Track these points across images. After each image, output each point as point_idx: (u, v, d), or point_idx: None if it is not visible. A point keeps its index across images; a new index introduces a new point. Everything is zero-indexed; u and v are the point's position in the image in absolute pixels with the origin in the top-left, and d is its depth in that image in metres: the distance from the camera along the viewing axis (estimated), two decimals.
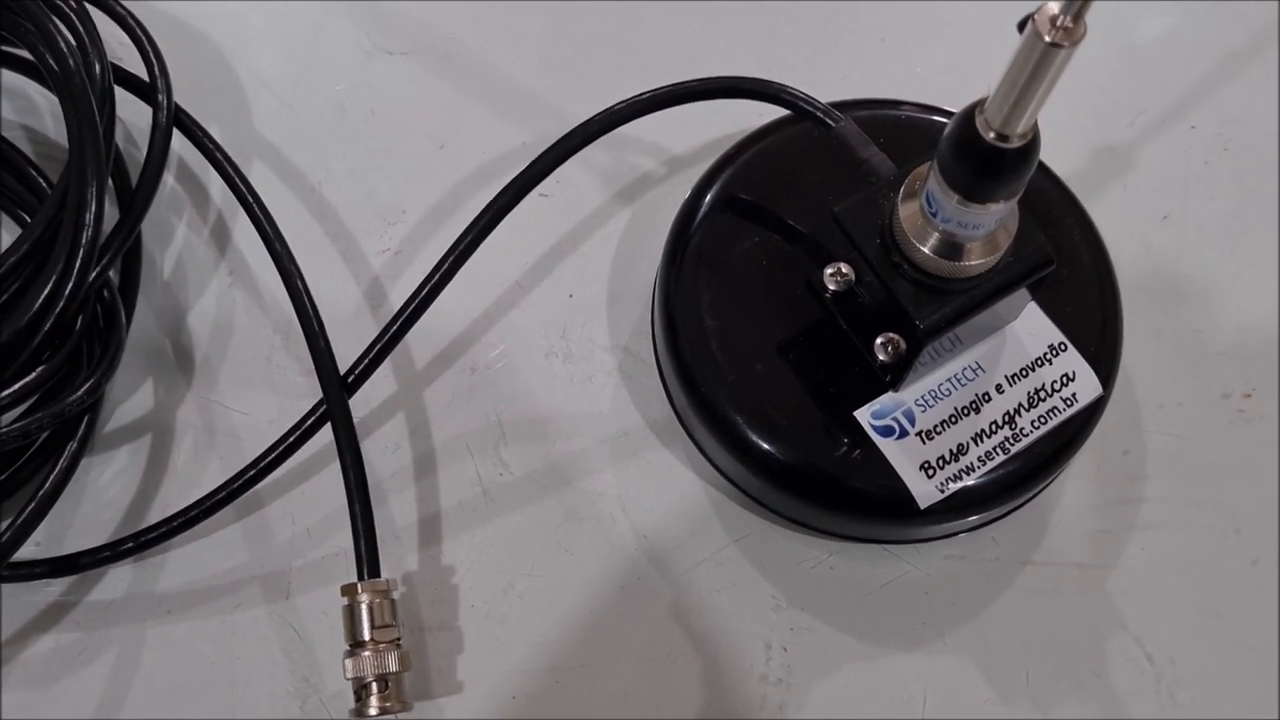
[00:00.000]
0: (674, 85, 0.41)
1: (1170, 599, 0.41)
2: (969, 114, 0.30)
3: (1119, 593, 0.41)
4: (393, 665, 0.37)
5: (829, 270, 0.39)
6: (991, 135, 0.30)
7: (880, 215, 0.36)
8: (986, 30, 0.48)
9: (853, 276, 0.38)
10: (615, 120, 0.40)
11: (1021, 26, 0.27)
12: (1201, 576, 0.41)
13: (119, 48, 0.46)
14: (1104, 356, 0.40)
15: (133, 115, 0.47)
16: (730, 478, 0.42)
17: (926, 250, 0.34)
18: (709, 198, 0.42)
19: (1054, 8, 0.27)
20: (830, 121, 0.39)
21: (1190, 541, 0.42)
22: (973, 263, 0.34)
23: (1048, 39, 0.27)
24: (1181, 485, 0.42)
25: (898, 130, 0.42)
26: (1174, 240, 0.46)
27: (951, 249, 0.34)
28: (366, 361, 0.40)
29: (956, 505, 0.39)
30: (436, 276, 0.39)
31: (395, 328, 0.40)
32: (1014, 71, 0.28)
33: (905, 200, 0.35)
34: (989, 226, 0.33)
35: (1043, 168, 0.43)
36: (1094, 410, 0.40)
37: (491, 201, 0.40)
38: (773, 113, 0.43)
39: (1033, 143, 0.30)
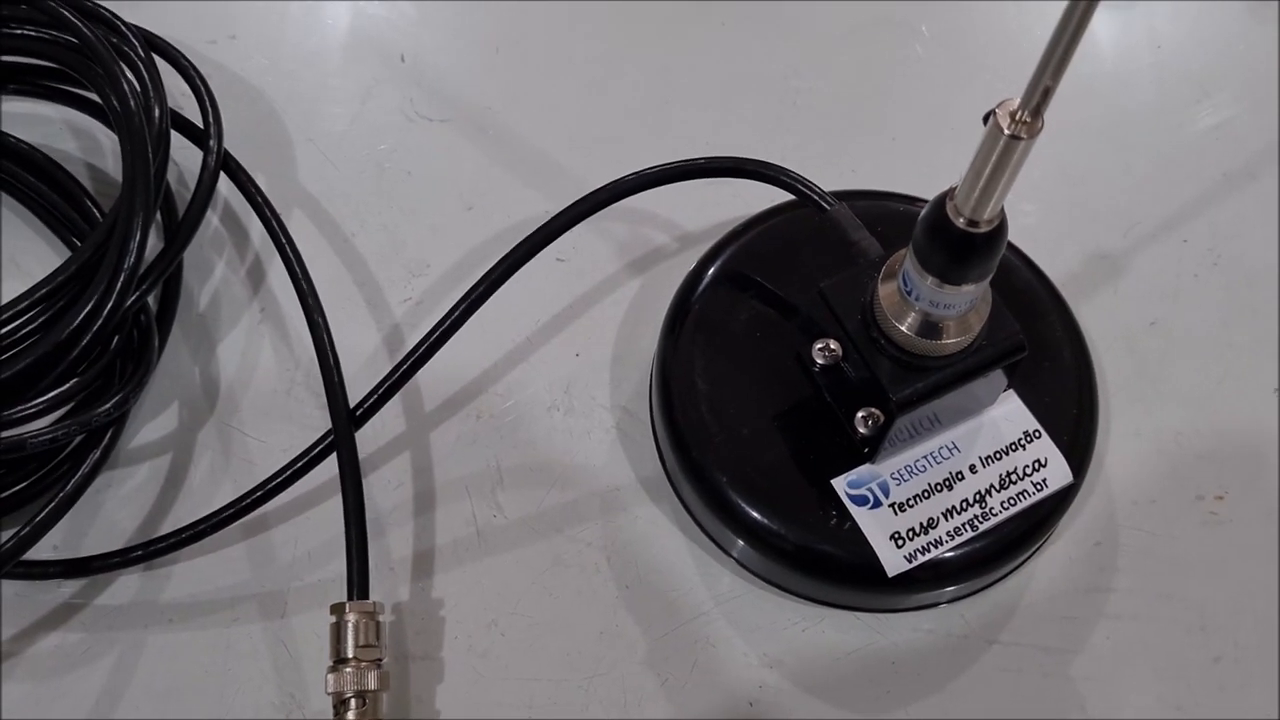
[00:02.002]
0: (682, 162, 0.43)
1: (1131, 688, 0.42)
2: (940, 201, 0.33)
3: (1082, 678, 0.42)
4: (372, 683, 0.38)
5: (818, 345, 0.41)
6: (961, 221, 0.32)
7: (863, 294, 0.38)
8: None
9: (840, 352, 0.40)
10: (624, 190, 0.43)
11: (986, 119, 0.30)
12: (1164, 668, 0.42)
13: (182, 98, 0.50)
14: (1077, 447, 0.42)
15: (189, 160, 0.50)
16: (712, 536, 0.44)
17: (904, 328, 0.36)
18: (711, 271, 0.45)
19: (1014, 103, 0.29)
20: (825, 204, 0.41)
21: (1155, 634, 0.43)
22: (947, 342, 0.36)
23: (1008, 132, 0.29)
24: (1150, 579, 0.43)
25: (895, 220, 0.43)
26: (1159, 345, 0.48)
27: (927, 328, 0.36)
28: (376, 396, 0.42)
29: (924, 577, 0.40)
30: (448, 322, 0.42)
31: (405, 366, 0.42)
32: (979, 161, 0.30)
33: (885, 280, 0.37)
34: (961, 307, 0.35)
35: (1031, 267, 0.45)
36: (1064, 497, 0.41)
37: (505, 256, 0.42)
38: (783, 199, 0.45)
39: (1000, 227, 0.32)
